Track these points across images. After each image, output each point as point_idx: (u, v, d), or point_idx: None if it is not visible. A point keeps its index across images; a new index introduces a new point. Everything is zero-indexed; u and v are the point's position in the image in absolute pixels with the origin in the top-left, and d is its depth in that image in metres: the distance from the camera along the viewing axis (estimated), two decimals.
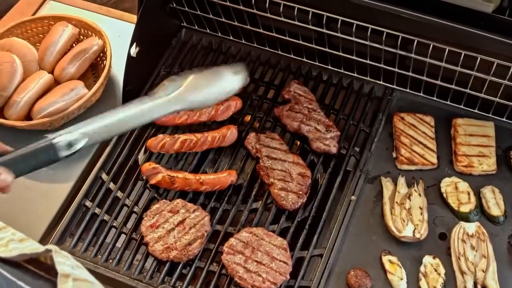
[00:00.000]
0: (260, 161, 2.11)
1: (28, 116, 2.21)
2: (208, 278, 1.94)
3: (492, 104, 2.14)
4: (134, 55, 2.20)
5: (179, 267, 1.94)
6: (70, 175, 2.16)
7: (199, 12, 2.36)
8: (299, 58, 2.40)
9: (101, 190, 2.11)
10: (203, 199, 2.08)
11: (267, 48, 2.43)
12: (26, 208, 2.08)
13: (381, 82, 2.30)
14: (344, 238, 1.97)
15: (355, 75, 2.33)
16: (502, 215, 1.98)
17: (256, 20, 2.28)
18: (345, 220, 2.00)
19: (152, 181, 2.07)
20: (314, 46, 2.26)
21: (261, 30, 2.31)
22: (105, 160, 2.17)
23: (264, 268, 1.88)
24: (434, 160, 2.11)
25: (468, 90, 2.11)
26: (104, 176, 2.14)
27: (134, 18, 2.31)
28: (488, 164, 2.08)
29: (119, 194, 2.11)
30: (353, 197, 2.04)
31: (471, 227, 1.94)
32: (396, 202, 1.99)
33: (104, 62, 2.34)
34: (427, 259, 1.90)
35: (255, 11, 2.19)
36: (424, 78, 2.15)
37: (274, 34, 2.29)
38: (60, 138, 1.53)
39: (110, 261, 1.97)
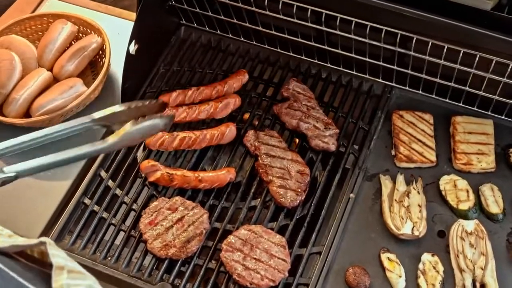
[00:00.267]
0: (259, 158, 2.11)
1: (27, 114, 2.21)
2: (206, 276, 1.94)
3: (491, 101, 2.14)
4: (133, 53, 2.20)
5: (178, 264, 1.94)
6: (69, 172, 2.16)
7: (198, 10, 2.36)
8: (298, 56, 2.40)
9: (100, 188, 2.11)
10: (202, 197, 2.08)
11: (266, 46, 2.43)
12: (25, 206, 2.08)
13: (380, 80, 2.30)
14: (342, 236, 1.97)
15: (354, 73, 2.33)
16: (501, 213, 1.98)
17: (255, 18, 2.27)
18: (343, 218, 2.00)
19: (151, 179, 2.07)
20: (313, 44, 2.26)
21: (260, 28, 2.31)
22: (103, 158, 2.17)
23: (263, 265, 1.88)
24: (433, 158, 2.11)
25: (467, 88, 2.11)
26: (103, 173, 2.14)
27: (133, 15, 2.30)
28: (487, 162, 2.08)
29: (118, 191, 2.10)
30: (351, 195, 2.04)
31: (470, 224, 1.94)
32: (395, 200, 1.99)
33: (103, 59, 2.34)
34: (426, 257, 1.90)
35: (254, 8, 2.19)
36: (423, 76, 2.15)
37: (273, 32, 2.29)
38: None
39: (109, 258, 1.97)
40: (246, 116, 2.29)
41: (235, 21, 2.33)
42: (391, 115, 2.22)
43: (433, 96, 2.25)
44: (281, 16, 2.15)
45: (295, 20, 2.14)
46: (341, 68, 2.35)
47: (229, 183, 2.09)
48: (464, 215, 1.98)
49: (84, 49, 2.30)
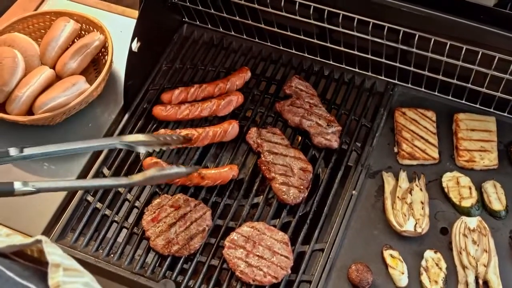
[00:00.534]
0: (262, 156, 2.11)
1: (29, 111, 2.21)
2: (209, 273, 1.94)
3: (494, 98, 2.14)
4: (136, 50, 2.20)
5: (181, 261, 1.94)
6: (71, 170, 2.16)
7: (200, 7, 2.36)
8: (300, 53, 2.40)
9: None
10: (205, 194, 2.08)
11: (269, 43, 2.43)
12: (28, 203, 2.07)
13: (383, 77, 2.30)
14: (345, 233, 1.97)
15: (357, 70, 2.33)
16: (504, 210, 1.98)
17: (258, 15, 2.28)
18: (346, 215, 2.00)
19: None
20: (315, 41, 2.26)
21: (262, 25, 2.31)
22: (106, 155, 2.17)
23: (265, 262, 1.88)
24: (436, 155, 2.11)
25: (469, 85, 2.11)
26: (105, 171, 2.15)
27: (136, 13, 2.30)
28: (489, 159, 2.08)
29: (121, 189, 2.10)
30: (354, 192, 2.04)
31: (473, 221, 1.93)
32: (398, 197, 1.99)
33: (106, 57, 2.34)
34: (429, 254, 1.90)
35: (256, 6, 2.19)
36: (426, 73, 2.15)
37: (276, 29, 2.30)
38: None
39: (112, 255, 1.97)
40: (249, 113, 2.29)
41: (237, 18, 2.33)
42: (393, 112, 2.22)
43: (436, 93, 2.25)
44: (283, 14, 2.15)
45: (298, 18, 2.14)
46: (343, 66, 2.35)
47: (232, 180, 2.09)
48: (467, 212, 1.98)
49: (86, 46, 2.30)
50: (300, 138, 2.23)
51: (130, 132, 2.22)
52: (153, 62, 2.41)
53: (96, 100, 2.29)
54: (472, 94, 2.16)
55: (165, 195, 2.05)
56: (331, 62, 2.36)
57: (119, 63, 2.37)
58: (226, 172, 2.07)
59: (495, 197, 2.00)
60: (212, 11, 2.35)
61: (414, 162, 2.10)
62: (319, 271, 1.89)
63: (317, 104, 2.23)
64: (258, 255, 1.90)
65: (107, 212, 2.06)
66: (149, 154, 2.16)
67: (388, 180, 2.06)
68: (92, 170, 2.14)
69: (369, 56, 2.20)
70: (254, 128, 2.18)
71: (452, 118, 2.19)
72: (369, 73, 2.32)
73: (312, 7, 2.07)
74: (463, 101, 2.22)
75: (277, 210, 2.04)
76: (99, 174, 2.13)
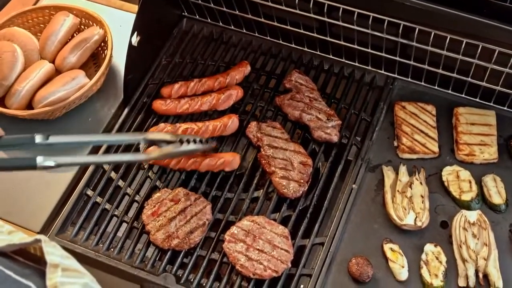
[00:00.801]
0: (262, 150, 2.11)
1: (29, 105, 2.21)
2: (209, 267, 1.94)
3: (494, 92, 2.14)
4: (135, 45, 2.19)
5: (181, 255, 1.94)
6: (70, 167, 2.15)
7: (200, 2, 2.36)
8: (300, 48, 2.40)
9: (103, 179, 2.11)
10: (205, 188, 2.08)
11: (268, 38, 2.43)
12: (28, 198, 2.08)
13: (383, 71, 2.30)
14: (345, 227, 1.97)
15: (357, 64, 2.33)
16: (504, 203, 1.98)
17: (258, 9, 2.27)
18: (346, 209, 2.00)
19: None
20: (315, 35, 2.26)
21: (262, 20, 2.31)
22: (106, 150, 2.16)
23: (266, 256, 1.88)
24: (436, 149, 2.11)
25: (469, 79, 2.11)
26: (105, 165, 2.14)
27: (135, 8, 2.30)
28: (489, 153, 2.08)
29: (120, 183, 2.11)
30: (354, 186, 2.05)
31: (473, 215, 1.94)
32: (398, 191, 1.99)
33: (105, 51, 2.33)
34: (429, 247, 1.90)
35: (256, 0, 2.18)
36: (426, 66, 2.14)
37: (276, 24, 2.29)
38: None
39: (112, 249, 1.98)
40: (249, 107, 2.29)
41: (237, 12, 2.32)
42: (393, 106, 2.22)
43: (436, 87, 2.25)
44: (283, 7, 2.15)
45: (298, 11, 2.13)
46: (343, 60, 2.34)
47: (233, 173, 2.10)
48: (467, 206, 1.98)
49: (86, 41, 2.30)
50: (300, 132, 2.23)
51: (130, 126, 2.22)
52: (152, 56, 2.41)
53: (96, 94, 2.28)
54: (472, 88, 2.16)
55: (165, 189, 2.05)
56: (330, 56, 2.36)
57: (118, 57, 2.36)
58: (228, 155, 2.08)
59: (495, 191, 2.00)
60: (212, 5, 2.35)
61: (414, 156, 2.10)
62: (319, 265, 1.90)
63: (317, 98, 2.23)
64: (258, 249, 1.90)
65: (107, 206, 2.06)
66: (150, 145, 2.15)
67: (388, 174, 2.06)
68: (91, 166, 2.13)
69: (369, 50, 2.20)
70: (254, 122, 2.18)
71: (452, 112, 2.19)
72: (369, 67, 2.31)
73: (312, 1, 2.06)
74: (463, 95, 2.22)
75: (277, 204, 2.05)
76: (99, 168, 2.13)
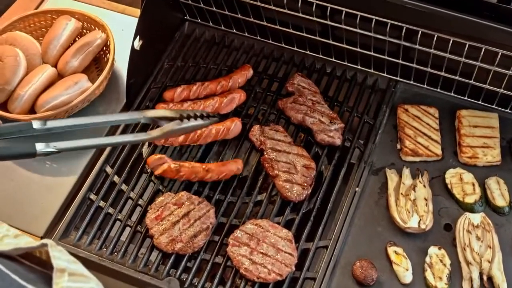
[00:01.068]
0: (265, 153, 2.11)
1: (31, 110, 2.21)
2: (213, 271, 1.94)
3: (496, 95, 2.14)
4: (138, 48, 2.19)
5: (184, 259, 1.94)
6: (74, 168, 2.16)
7: (202, 5, 2.36)
8: (302, 51, 2.40)
9: (106, 183, 2.11)
10: (208, 191, 2.08)
11: (271, 41, 2.43)
12: (31, 202, 2.08)
13: (385, 74, 2.30)
14: (349, 230, 1.97)
15: (359, 67, 2.33)
16: (507, 206, 1.98)
17: (260, 13, 2.27)
18: (350, 212, 2.00)
19: (158, 171, 2.06)
20: (317, 38, 2.26)
21: (264, 23, 2.31)
22: (109, 153, 2.16)
23: (270, 259, 1.88)
24: (439, 152, 2.11)
25: (472, 82, 2.11)
26: (108, 169, 2.14)
27: (137, 12, 2.30)
28: (492, 155, 2.08)
29: (124, 187, 2.10)
30: (357, 189, 2.05)
31: (476, 217, 1.94)
32: (401, 194, 1.99)
33: (107, 55, 2.33)
34: (433, 250, 1.90)
35: (259, 3, 2.19)
36: (428, 69, 2.14)
37: (278, 27, 2.29)
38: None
39: (115, 254, 1.97)
40: (251, 111, 2.29)
41: (239, 16, 2.33)
42: (396, 109, 2.22)
43: (438, 90, 2.25)
44: (286, 11, 2.15)
45: (300, 15, 2.13)
46: (345, 63, 2.34)
47: (236, 177, 2.09)
48: (470, 209, 1.98)
49: (88, 45, 2.30)
50: (303, 135, 2.23)
51: (133, 130, 2.21)
52: (155, 60, 2.41)
53: (98, 98, 2.28)
54: (475, 90, 2.16)
55: (168, 193, 2.05)
56: (333, 60, 2.36)
57: (120, 61, 2.36)
58: (231, 165, 2.07)
59: (499, 193, 2.00)
60: (214, 8, 2.35)
61: (417, 159, 2.10)
62: (323, 268, 1.89)
63: (320, 101, 2.23)
64: (262, 253, 1.89)
65: (110, 210, 2.05)
66: (152, 151, 2.16)
67: (391, 177, 2.06)
68: (94, 169, 2.13)
69: (372, 53, 2.20)
70: (257, 126, 2.18)
71: (455, 114, 2.19)
72: (371, 70, 2.31)
73: (314, 4, 2.06)
74: (466, 98, 2.22)
75: (281, 208, 2.04)
76: (102, 172, 2.13)
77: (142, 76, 2.35)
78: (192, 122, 1.87)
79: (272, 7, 2.17)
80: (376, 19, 2.01)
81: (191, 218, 1.97)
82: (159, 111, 1.90)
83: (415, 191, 1.99)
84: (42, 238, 2.00)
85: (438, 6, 1.83)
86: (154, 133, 1.82)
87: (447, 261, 1.88)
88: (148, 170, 2.13)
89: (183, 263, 1.94)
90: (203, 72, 2.40)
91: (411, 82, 2.27)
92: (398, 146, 2.14)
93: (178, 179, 2.08)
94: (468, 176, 2.04)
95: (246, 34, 2.45)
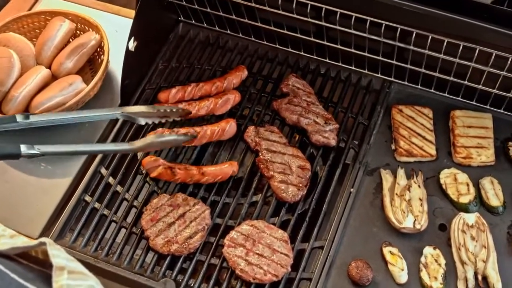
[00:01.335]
0: (260, 154, 2.11)
1: (26, 111, 2.19)
2: (209, 272, 1.94)
3: (490, 95, 2.15)
4: (132, 49, 2.19)
5: (180, 260, 1.94)
6: (69, 170, 2.15)
7: (196, 6, 2.36)
8: (297, 52, 2.40)
9: (101, 185, 2.10)
10: (203, 193, 2.08)
11: (265, 42, 2.43)
12: (26, 203, 2.08)
13: (379, 75, 2.31)
14: (344, 230, 1.97)
15: (353, 68, 2.34)
16: (501, 206, 1.99)
17: (254, 14, 2.27)
18: (345, 212, 2.00)
19: (153, 174, 2.06)
20: (312, 39, 2.26)
21: (259, 24, 2.31)
22: (104, 155, 2.16)
23: (266, 260, 1.88)
24: (433, 152, 2.11)
25: (466, 82, 2.12)
26: (103, 170, 2.14)
27: (131, 13, 2.29)
28: (486, 155, 2.09)
29: (119, 188, 2.10)
30: (352, 190, 2.05)
31: (471, 217, 1.94)
32: (396, 194, 2.00)
33: (102, 56, 2.33)
34: (428, 250, 1.91)
35: (253, 4, 2.19)
36: (422, 70, 2.15)
37: (272, 28, 2.29)
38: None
39: (111, 255, 1.97)
40: (246, 112, 2.29)
41: (233, 17, 2.33)
42: (390, 109, 2.22)
43: (432, 90, 2.26)
44: (280, 12, 2.15)
45: (295, 16, 2.14)
46: (340, 64, 2.35)
47: (231, 178, 2.09)
48: (465, 209, 1.99)
49: (83, 46, 2.29)
50: (297, 136, 2.23)
51: (128, 132, 2.21)
52: (149, 61, 2.40)
53: (93, 99, 2.27)
54: (469, 91, 2.17)
55: (164, 194, 2.05)
56: (327, 60, 2.37)
57: (114, 62, 2.36)
58: (226, 168, 2.07)
59: (493, 193, 2.01)
60: (208, 9, 2.35)
61: (412, 159, 2.11)
62: (319, 269, 1.90)
63: (314, 102, 2.24)
64: (258, 253, 1.90)
65: (106, 212, 2.05)
66: (146, 154, 2.16)
67: (386, 177, 2.06)
68: (89, 170, 2.13)
69: (366, 54, 2.21)
70: (252, 127, 2.18)
71: (449, 115, 2.20)
72: (366, 71, 2.32)
73: (309, 5, 2.07)
74: (460, 98, 2.23)
75: (276, 208, 2.05)
76: (96, 174, 2.13)
77: (137, 77, 2.34)
78: (172, 136, 2.05)
79: (266, 8, 2.17)
80: (370, 20, 2.02)
81: (186, 219, 1.97)
82: (136, 107, 2.05)
83: (410, 192, 1.99)
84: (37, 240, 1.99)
85: (433, 7, 1.84)
86: (137, 143, 1.97)
87: (442, 261, 1.88)
88: (143, 172, 2.12)
89: (178, 264, 1.94)
90: (198, 73, 2.40)
91: (405, 82, 2.28)
92: (393, 147, 2.15)
93: (173, 182, 2.08)
94: (463, 176, 2.05)
95: (241, 35, 2.46)
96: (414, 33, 1.99)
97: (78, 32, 2.41)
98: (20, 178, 2.14)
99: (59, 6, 2.55)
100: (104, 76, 2.28)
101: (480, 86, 2.11)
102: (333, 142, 2.15)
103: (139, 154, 2.17)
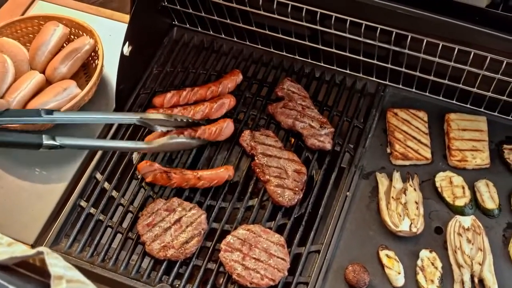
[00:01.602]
0: (256, 158, 2.11)
1: None
2: (205, 277, 1.93)
3: (484, 98, 2.16)
4: (127, 54, 2.18)
5: (177, 265, 1.93)
6: (64, 175, 2.14)
7: (190, 10, 2.36)
8: (291, 56, 2.40)
9: (96, 190, 2.10)
10: (199, 197, 2.08)
11: (260, 46, 2.43)
12: (21, 209, 2.07)
13: (374, 79, 2.31)
14: (341, 234, 1.97)
15: (348, 71, 2.34)
16: (497, 208, 2.00)
17: (249, 18, 2.27)
18: (341, 216, 2.00)
19: (149, 179, 2.06)
20: (307, 43, 2.27)
21: (253, 28, 2.31)
22: (99, 160, 2.16)
23: (262, 265, 1.88)
24: (428, 155, 2.12)
25: (460, 85, 2.13)
26: (98, 175, 2.13)
27: (124, 17, 2.29)
28: (481, 158, 2.10)
29: (114, 193, 2.09)
30: (348, 193, 2.05)
31: (467, 220, 1.95)
32: (392, 197, 2.00)
33: (96, 61, 2.32)
34: (424, 253, 1.91)
35: (248, 8, 2.19)
36: (417, 73, 2.16)
37: (267, 32, 2.30)
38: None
39: (107, 261, 1.96)
40: (241, 116, 2.29)
41: (228, 21, 2.33)
42: (385, 113, 2.23)
43: (427, 94, 2.26)
44: (276, 16, 2.15)
45: (290, 20, 2.14)
46: (334, 67, 2.35)
47: (226, 183, 2.09)
48: (461, 211, 1.99)
49: (77, 51, 2.28)
50: (293, 140, 2.23)
51: (122, 136, 2.21)
52: (143, 66, 2.40)
53: (87, 104, 2.26)
54: (463, 94, 2.18)
55: (160, 199, 2.04)
56: (322, 64, 2.37)
57: (108, 67, 2.35)
58: (222, 172, 2.07)
59: (488, 196, 2.02)
60: (203, 14, 2.35)
61: (407, 163, 2.11)
62: (316, 273, 1.90)
63: (310, 106, 2.24)
64: (254, 258, 1.89)
65: (101, 217, 2.04)
66: (142, 158, 2.15)
67: (382, 180, 2.07)
68: (84, 176, 2.12)
69: (361, 58, 2.21)
70: (248, 131, 2.18)
71: (444, 118, 2.21)
72: (360, 75, 2.33)
73: (304, 9, 2.07)
74: (454, 101, 2.24)
75: (272, 213, 2.05)
76: (92, 179, 2.12)
77: (131, 82, 2.34)
78: (184, 139, 2.10)
79: (261, 12, 2.17)
80: (365, 24, 2.02)
81: (182, 224, 1.97)
82: (154, 115, 2.08)
83: (406, 195, 2.00)
84: (32, 246, 1.99)
85: (428, 11, 1.84)
86: (153, 143, 2.06)
87: (439, 264, 1.89)
88: (139, 176, 2.12)
89: (175, 269, 1.93)
90: (193, 77, 2.40)
91: (400, 86, 2.29)
92: (388, 150, 2.15)
93: (169, 186, 2.08)
94: (458, 179, 2.05)
95: (235, 39, 2.46)
96: (409, 36, 2.00)
97: (72, 36, 2.40)
98: (15, 183, 2.13)
99: (53, 11, 2.54)
100: (98, 81, 2.27)
101: (475, 89, 2.12)
102: (328, 146, 2.15)
103: (135, 159, 2.17)
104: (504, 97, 2.10)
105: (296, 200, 2.03)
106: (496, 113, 2.21)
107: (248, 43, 2.44)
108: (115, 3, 3.55)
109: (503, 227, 1.98)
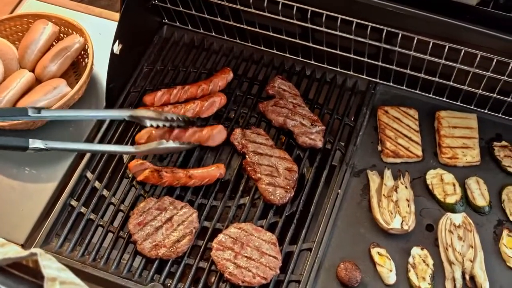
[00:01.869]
0: (247, 156, 2.11)
1: None
2: (197, 275, 1.93)
3: (475, 96, 2.16)
4: (117, 53, 2.17)
5: (168, 264, 1.93)
6: (54, 174, 2.13)
7: (181, 8, 2.35)
8: (282, 54, 2.40)
9: (87, 189, 2.09)
10: (190, 196, 2.07)
11: (250, 44, 2.43)
12: (10, 209, 2.06)
13: (365, 76, 2.31)
14: (332, 232, 1.98)
15: (338, 69, 2.34)
16: (487, 205, 2.01)
17: (239, 16, 2.27)
18: (332, 214, 2.01)
19: (140, 177, 2.05)
20: (297, 41, 2.26)
21: (244, 26, 2.31)
22: (89, 159, 2.15)
23: (254, 263, 1.88)
24: (419, 153, 2.12)
25: (451, 83, 2.14)
26: (89, 174, 2.12)
27: (114, 15, 2.27)
28: (472, 156, 2.11)
29: (105, 192, 2.09)
30: (339, 191, 2.05)
31: (458, 218, 1.96)
32: (383, 195, 2.00)
33: (86, 60, 2.31)
34: (415, 251, 1.91)
35: (239, 6, 2.18)
36: (408, 71, 2.16)
37: (257, 30, 2.29)
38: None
39: (98, 260, 1.96)
40: (232, 114, 2.28)
41: (219, 19, 2.32)
42: (376, 111, 2.23)
43: (417, 91, 2.27)
44: (266, 14, 2.15)
45: (281, 18, 2.13)
46: (325, 65, 2.35)
47: (218, 181, 2.09)
48: (452, 209, 2.00)
49: (67, 49, 2.27)
50: (284, 138, 2.23)
51: (113, 135, 2.20)
52: (134, 64, 2.39)
53: (77, 103, 2.25)
54: (454, 92, 2.19)
55: (151, 197, 2.04)
56: (312, 62, 2.37)
57: (98, 65, 2.35)
58: (213, 170, 2.06)
59: (479, 193, 2.03)
60: (193, 12, 2.34)
61: (398, 160, 2.12)
62: (308, 271, 1.90)
63: (301, 104, 2.24)
64: (246, 256, 1.89)
65: (92, 216, 2.03)
66: (133, 157, 2.14)
67: (373, 178, 2.07)
68: (75, 175, 2.11)
69: (351, 56, 2.21)
70: (239, 129, 2.18)
71: (434, 115, 2.21)
72: (351, 72, 2.33)
73: (295, 7, 2.07)
74: (445, 99, 2.24)
75: (264, 211, 2.04)
76: (82, 178, 2.11)
77: (122, 80, 2.33)
78: (174, 144, 2.07)
79: (252, 10, 2.17)
80: (356, 22, 2.02)
81: (174, 223, 1.96)
82: (144, 111, 2.07)
83: (397, 192, 2.00)
84: (23, 245, 1.98)
85: (419, 9, 1.85)
86: (141, 148, 2.04)
87: (430, 261, 1.89)
88: (130, 175, 2.11)
89: (167, 268, 1.93)
90: (183, 75, 2.39)
91: (391, 84, 2.29)
92: (379, 148, 2.15)
93: (160, 185, 2.07)
94: (449, 177, 2.06)
95: (225, 37, 2.45)
96: (400, 34, 2.00)
97: (62, 35, 2.39)
98: (4, 183, 2.12)
99: (42, 9, 2.53)
100: (88, 80, 2.26)
101: (465, 87, 2.12)
102: (319, 144, 2.15)
103: (125, 158, 2.16)
104: (494, 95, 2.11)
105: (287, 198, 2.03)
106: (486, 111, 2.21)
107: (238, 41, 2.44)
108: (104, 0, 3.55)
109: (493, 224, 1.99)
